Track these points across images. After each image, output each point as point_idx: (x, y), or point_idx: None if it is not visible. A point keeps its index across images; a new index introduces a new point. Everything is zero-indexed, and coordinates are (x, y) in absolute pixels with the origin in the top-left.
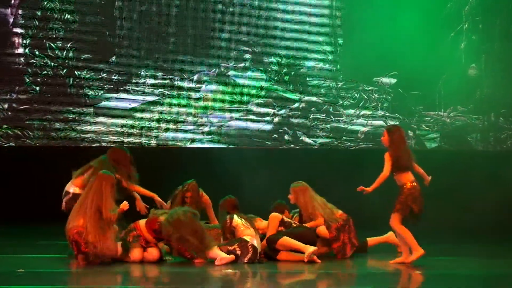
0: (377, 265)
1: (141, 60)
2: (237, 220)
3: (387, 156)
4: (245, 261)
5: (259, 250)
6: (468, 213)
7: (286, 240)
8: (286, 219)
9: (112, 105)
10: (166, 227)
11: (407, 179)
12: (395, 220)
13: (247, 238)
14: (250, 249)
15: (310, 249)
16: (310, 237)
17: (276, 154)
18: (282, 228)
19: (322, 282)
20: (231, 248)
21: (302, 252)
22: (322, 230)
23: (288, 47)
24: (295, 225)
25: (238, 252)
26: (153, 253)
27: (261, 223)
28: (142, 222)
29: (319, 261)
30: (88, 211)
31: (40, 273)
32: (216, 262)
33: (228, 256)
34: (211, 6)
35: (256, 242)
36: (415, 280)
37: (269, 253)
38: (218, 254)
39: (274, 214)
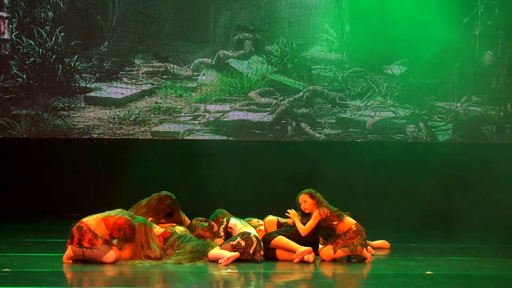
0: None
1: (135, 47)
2: (234, 221)
3: (316, 215)
4: (251, 252)
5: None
6: (483, 210)
7: (279, 239)
8: (282, 221)
9: (104, 94)
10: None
11: (350, 223)
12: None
13: (248, 230)
14: (254, 240)
15: (300, 249)
16: (309, 237)
17: (278, 146)
18: None
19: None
20: (234, 243)
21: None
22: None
23: (292, 33)
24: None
25: (243, 244)
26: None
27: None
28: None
29: (311, 261)
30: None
31: (27, 273)
32: (222, 262)
33: (233, 253)
34: None
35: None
36: (427, 280)
37: (266, 252)
38: (222, 254)
39: (269, 218)
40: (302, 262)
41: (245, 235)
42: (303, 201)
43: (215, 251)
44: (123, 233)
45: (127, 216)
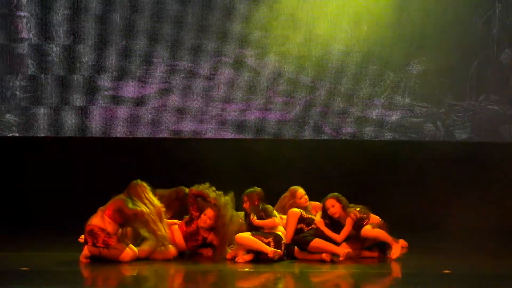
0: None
1: (152, 45)
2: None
3: (349, 221)
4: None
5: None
6: (499, 210)
7: (318, 242)
8: (305, 215)
9: (121, 93)
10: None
11: (376, 218)
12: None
13: (282, 235)
14: (283, 247)
15: (346, 250)
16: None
17: (296, 145)
18: (302, 226)
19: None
20: (266, 240)
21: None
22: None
23: (309, 31)
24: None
25: (272, 245)
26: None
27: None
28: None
29: (328, 259)
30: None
31: (45, 272)
32: (237, 260)
33: (250, 256)
34: None
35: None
36: (445, 280)
37: (289, 251)
38: (253, 244)
39: (292, 210)
40: (330, 261)
41: (277, 238)
42: (331, 206)
43: (245, 236)
44: (123, 212)
45: (118, 197)
